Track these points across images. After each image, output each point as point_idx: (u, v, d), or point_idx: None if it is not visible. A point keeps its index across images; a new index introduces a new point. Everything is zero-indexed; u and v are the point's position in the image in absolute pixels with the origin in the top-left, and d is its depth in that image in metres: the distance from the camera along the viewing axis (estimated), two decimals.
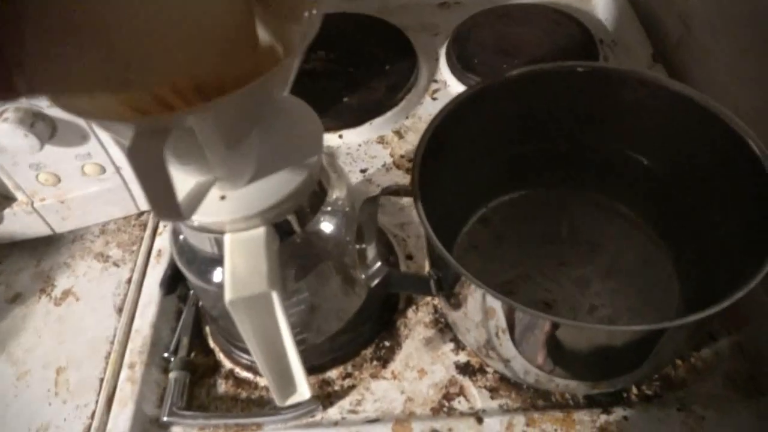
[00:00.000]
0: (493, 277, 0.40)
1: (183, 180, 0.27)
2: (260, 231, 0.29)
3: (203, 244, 0.32)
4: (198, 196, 0.26)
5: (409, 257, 0.46)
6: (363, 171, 0.53)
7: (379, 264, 0.33)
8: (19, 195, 0.45)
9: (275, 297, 0.27)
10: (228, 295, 0.27)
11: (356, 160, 0.54)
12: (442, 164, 0.36)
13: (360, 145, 0.55)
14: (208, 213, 0.29)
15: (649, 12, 0.60)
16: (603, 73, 0.36)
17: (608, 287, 0.38)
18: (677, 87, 0.34)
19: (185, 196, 0.26)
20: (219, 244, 0.32)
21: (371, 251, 0.34)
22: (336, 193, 0.34)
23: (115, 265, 0.48)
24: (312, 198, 0.32)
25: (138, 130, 0.21)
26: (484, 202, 0.42)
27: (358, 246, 0.34)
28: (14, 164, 0.42)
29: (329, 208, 0.33)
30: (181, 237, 0.34)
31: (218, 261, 0.33)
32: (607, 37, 0.61)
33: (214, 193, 0.29)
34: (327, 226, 0.33)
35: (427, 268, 0.45)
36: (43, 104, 0.38)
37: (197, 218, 0.29)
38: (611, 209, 0.42)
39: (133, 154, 0.21)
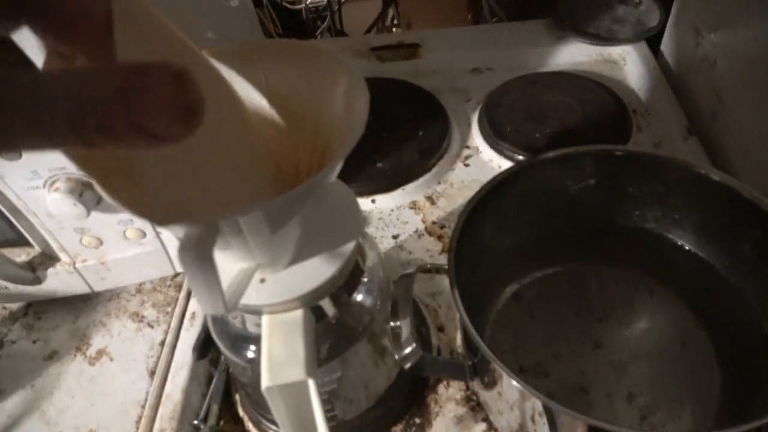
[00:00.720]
0: (527, 357, 0.39)
1: (226, 266, 0.28)
2: (298, 314, 0.29)
3: (238, 319, 0.33)
4: (241, 287, 0.27)
5: (441, 329, 0.46)
6: (395, 237, 0.53)
7: (413, 346, 0.33)
8: (62, 256, 0.46)
9: (311, 384, 0.28)
10: (265, 382, 0.27)
11: (388, 225, 0.55)
12: (476, 242, 0.36)
13: (392, 211, 0.56)
14: (247, 296, 0.29)
15: (683, 84, 0.61)
16: (640, 157, 0.36)
17: (646, 372, 0.37)
18: (716, 176, 0.34)
19: (229, 286, 0.27)
20: (254, 324, 0.32)
21: (405, 330, 0.33)
22: (371, 271, 0.34)
23: (150, 326, 0.48)
24: (349, 277, 0.32)
25: (188, 231, 0.22)
26: (517, 278, 0.42)
27: (392, 323, 0.34)
28: (60, 228, 0.44)
29: (365, 287, 0.33)
30: None
31: (252, 337, 0.33)
32: (640, 107, 0.61)
33: (255, 275, 0.30)
34: (362, 306, 0.34)
35: (458, 341, 0.44)
36: None
37: None
38: (647, 288, 0.41)
39: (184, 254, 0.22)
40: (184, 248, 0.22)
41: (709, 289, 0.38)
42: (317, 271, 0.30)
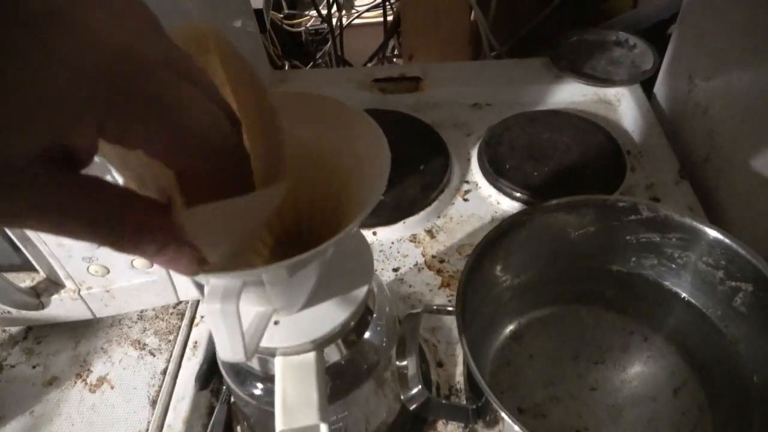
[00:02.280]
0: (526, 398, 0.40)
1: (243, 309, 0.29)
2: (311, 356, 0.30)
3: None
4: (258, 332, 0.28)
5: (440, 364, 0.47)
6: (395, 270, 0.55)
7: (419, 387, 0.34)
8: (68, 283, 0.47)
9: (324, 428, 0.28)
10: (279, 426, 0.28)
11: (389, 258, 0.56)
12: (480, 284, 0.38)
13: (393, 243, 0.57)
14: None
15: (676, 127, 0.63)
16: (639, 209, 0.38)
17: (640, 416, 0.39)
18: (712, 231, 0.35)
19: (246, 330, 0.27)
20: (264, 362, 0.33)
21: (412, 370, 0.34)
22: (380, 311, 0.35)
23: (151, 354, 0.49)
24: (359, 319, 0.33)
25: (215, 282, 0.23)
26: (517, 317, 0.43)
27: (398, 363, 0.35)
28: (69, 256, 0.44)
29: (373, 327, 0.34)
30: None
31: (258, 373, 0.34)
32: (634, 148, 0.64)
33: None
34: (370, 345, 0.34)
35: (457, 377, 0.45)
36: None
37: None
38: (641, 332, 0.42)
39: (211, 305, 0.23)
40: (211, 299, 0.23)
41: (702, 337, 0.39)
42: (331, 314, 0.31)
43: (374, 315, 0.35)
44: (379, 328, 0.35)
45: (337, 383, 0.34)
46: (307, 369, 0.30)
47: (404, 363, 0.35)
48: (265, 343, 0.30)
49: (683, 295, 0.40)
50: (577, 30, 0.76)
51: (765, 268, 0.33)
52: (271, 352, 0.31)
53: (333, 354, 0.33)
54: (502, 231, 0.37)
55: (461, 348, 0.32)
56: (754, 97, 0.49)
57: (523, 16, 0.85)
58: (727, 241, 0.35)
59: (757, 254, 0.34)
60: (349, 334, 0.33)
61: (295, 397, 0.29)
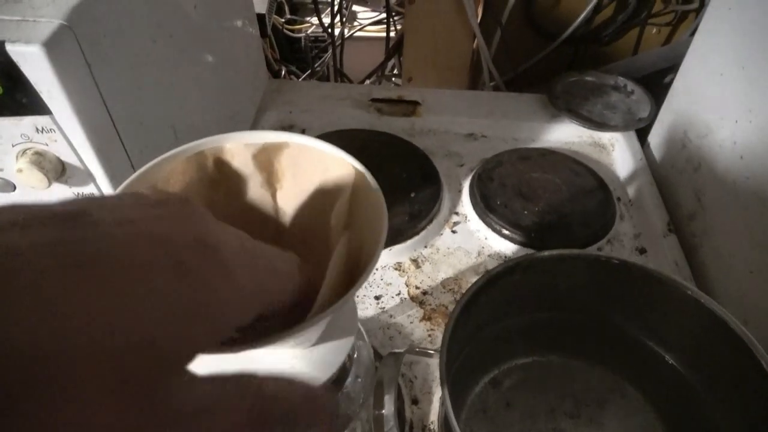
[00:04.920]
0: None
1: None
2: None
3: None
4: None
5: (415, 401, 0.46)
6: (377, 298, 0.54)
7: (394, 430, 0.33)
8: None
9: None
10: None
11: (371, 285, 0.55)
12: (464, 331, 0.37)
13: (377, 270, 0.56)
14: None
15: (667, 180, 0.64)
16: (631, 270, 0.38)
17: None
18: (695, 295, 0.35)
19: None
20: None
21: (389, 412, 0.33)
22: (360, 361, 0.34)
23: None
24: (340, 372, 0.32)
25: None
26: (497, 364, 0.43)
27: (375, 411, 0.34)
28: None
29: (352, 377, 0.33)
30: None
31: None
32: (625, 196, 0.64)
33: None
34: (348, 398, 0.33)
35: (431, 416, 0.45)
36: None
37: None
38: (620, 390, 0.42)
39: None
40: None
41: (682, 402, 0.39)
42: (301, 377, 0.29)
43: (353, 363, 0.34)
44: (359, 376, 0.34)
45: None
46: None
47: (383, 412, 0.34)
48: None
49: (666, 357, 0.40)
50: (576, 71, 0.77)
51: (746, 337, 0.33)
52: None
53: None
54: (491, 278, 0.36)
55: (441, 394, 0.31)
56: (746, 164, 0.49)
57: (525, 51, 0.85)
58: (716, 310, 0.35)
59: (738, 324, 0.34)
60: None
61: None
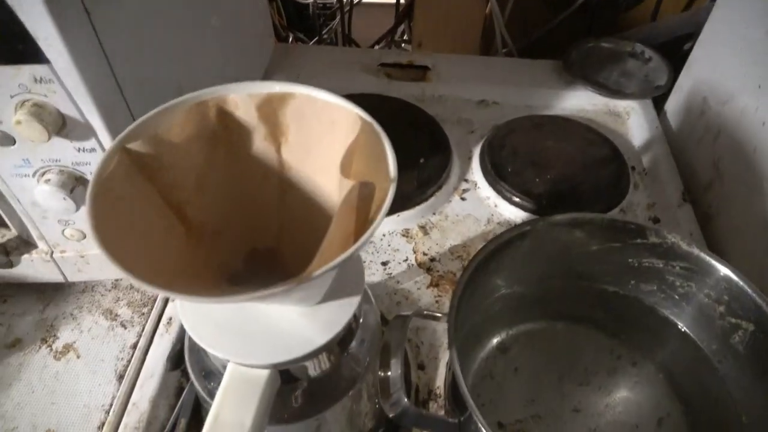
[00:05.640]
0: (506, 413, 0.39)
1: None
2: (263, 374, 0.27)
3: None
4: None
5: (421, 367, 0.45)
6: (384, 264, 0.53)
7: (400, 394, 0.32)
8: (41, 244, 0.44)
9: None
10: None
11: (378, 251, 0.54)
12: (473, 295, 0.36)
13: (384, 236, 0.55)
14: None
15: (683, 148, 0.62)
16: (645, 233, 0.36)
17: None
18: (720, 268, 0.34)
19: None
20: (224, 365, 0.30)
21: (395, 374, 0.33)
22: (366, 324, 0.33)
23: (123, 326, 0.47)
24: (346, 331, 0.31)
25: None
26: (505, 328, 0.42)
27: (381, 373, 0.33)
28: (43, 217, 0.42)
29: (358, 340, 0.32)
30: None
31: (220, 376, 0.31)
32: (639, 165, 0.62)
33: None
34: (354, 358, 0.33)
35: (437, 381, 0.44)
36: (87, 170, 0.38)
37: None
38: (630, 357, 0.41)
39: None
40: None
41: (693, 370, 0.38)
42: (310, 334, 0.28)
43: (359, 326, 0.33)
44: (365, 338, 0.34)
45: (315, 397, 0.32)
46: (252, 389, 0.27)
47: (388, 373, 0.34)
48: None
49: (680, 325, 0.39)
50: (593, 37, 0.75)
51: (767, 305, 0.32)
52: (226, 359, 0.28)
53: (315, 366, 0.31)
54: (503, 243, 0.35)
55: (449, 358, 0.30)
56: None
57: (540, 16, 0.82)
58: (734, 278, 0.34)
59: (764, 296, 0.33)
60: (332, 349, 0.31)
61: (228, 418, 0.26)
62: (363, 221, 0.25)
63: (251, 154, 0.30)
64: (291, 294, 0.24)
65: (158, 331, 0.46)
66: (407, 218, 0.56)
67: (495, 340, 0.42)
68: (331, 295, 0.30)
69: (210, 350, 0.28)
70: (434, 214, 0.57)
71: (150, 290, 0.22)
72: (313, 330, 0.28)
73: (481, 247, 0.35)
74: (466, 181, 0.61)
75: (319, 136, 0.29)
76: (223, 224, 0.30)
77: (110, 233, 0.23)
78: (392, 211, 0.56)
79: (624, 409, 0.39)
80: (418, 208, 0.57)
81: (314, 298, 0.29)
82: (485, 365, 0.41)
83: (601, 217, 0.37)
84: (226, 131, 0.29)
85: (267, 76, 0.70)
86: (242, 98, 0.29)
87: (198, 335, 0.28)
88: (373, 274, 0.52)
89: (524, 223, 0.37)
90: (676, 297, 0.38)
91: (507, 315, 0.42)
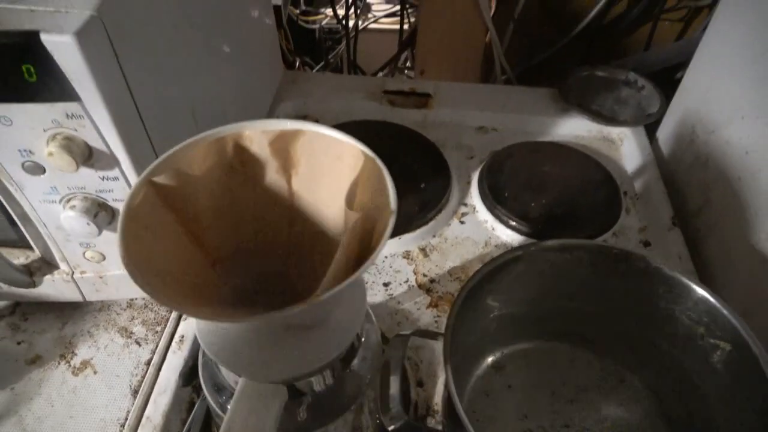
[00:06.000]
0: (500, 429, 0.41)
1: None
2: (272, 388, 0.29)
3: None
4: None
5: (420, 384, 0.47)
6: (386, 285, 0.55)
7: (399, 409, 0.35)
8: (62, 265, 0.47)
9: None
10: None
11: (381, 272, 0.56)
12: (469, 314, 0.38)
13: (386, 258, 0.58)
14: None
15: (673, 175, 0.64)
16: (631, 258, 0.39)
17: None
18: (698, 291, 0.37)
19: None
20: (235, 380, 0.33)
21: (394, 390, 0.35)
22: (368, 342, 0.36)
23: (137, 343, 0.49)
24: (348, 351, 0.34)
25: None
26: (500, 347, 0.44)
27: (382, 389, 0.35)
28: (67, 240, 0.44)
29: (360, 357, 0.35)
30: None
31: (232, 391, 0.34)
32: (632, 190, 0.65)
33: None
34: (355, 375, 0.35)
35: (435, 397, 0.46)
36: (109, 197, 0.41)
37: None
38: (619, 376, 0.44)
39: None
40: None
41: (677, 388, 0.40)
42: (316, 353, 0.31)
43: (361, 344, 0.35)
44: (367, 356, 0.36)
45: (319, 410, 0.34)
46: (263, 401, 0.29)
47: (388, 384, 0.36)
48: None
49: (664, 345, 0.41)
50: (588, 66, 0.78)
51: (746, 331, 0.35)
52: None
53: (320, 381, 0.33)
54: (497, 266, 0.38)
55: (445, 376, 0.32)
56: (752, 159, 0.50)
57: (538, 45, 0.86)
58: (712, 300, 0.36)
59: (739, 317, 0.35)
60: (335, 366, 0.33)
61: (240, 426, 0.28)
62: (366, 248, 0.28)
63: (264, 185, 0.32)
64: (300, 315, 0.27)
65: (171, 348, 0.48)
66: (408, 241, 0.59)
67: (490, 359, 0.44)
68: (336, 315, 0.32)
69: (224, 366, 0.30)
70: (434, 236, 0.60)
71: (174, 309, 0.24)
72: (320, 348, 0.31)
73: (477, 270, 0.37)
74: (465, 205, 0.63)
75: (326, 169, 0.32)
76: (237, 249, 0.33)
77: (136, 258, 0.25)
78: (394, 234, 0.59)
79: (612, 424, 0.41)
80: (418, 231, 0.59)
81: (321, 320, 0.31)
82: (481, 382, 0.43)
83: (590, 243, 0.40)
84: (242, 164, 0.32)
85: (276, 101, 0.74)
86: (257, 134, 0.31)
87: (213, 352, 0.30)
88: (375, 295, 0.54)
89: (517, 248, 0.39)
90: (660, 318, 0.40)
91: (502, 334, 0.44)
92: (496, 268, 0.38)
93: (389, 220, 0.27)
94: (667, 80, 0.76)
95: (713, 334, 0.37)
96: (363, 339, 0.36)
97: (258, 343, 0.31)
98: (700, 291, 0.37)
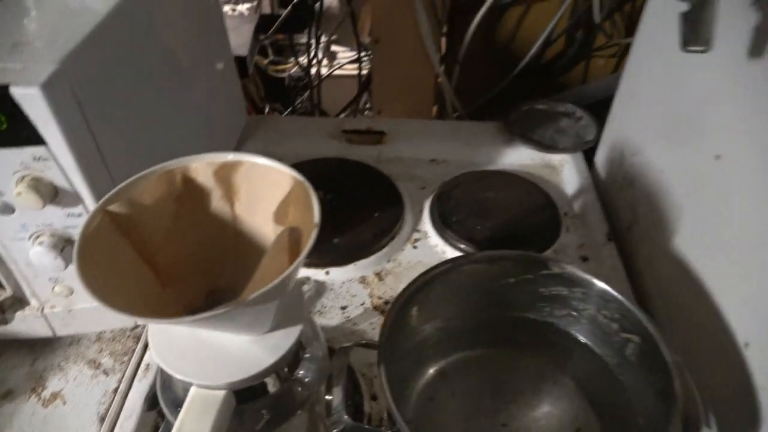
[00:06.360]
0: (445, 430, 0.44)
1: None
2: (219, 395, 0.33)
3: (180, 386, 0.37)
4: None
5: (374, 398, 0.51)
6: (343, 308, 0.59)
7: (341, 415, 0.38)
8: (33, 301, 0.50)
9: None
10: None
11: (338, 297, 0.60)
12: (408, 324, 0.42)
13: (343, 283, 0.61)
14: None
15: (608, 195, 0.70)
16: (549, 265, 0.43)
17: None
18: (602, 288, 0.41)
19: None
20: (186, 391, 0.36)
21: (337, 399, 0.39)
22: (313, 351, 0.39)
23: (105, 373, 0.52)
24: (292, 356, 0.37)
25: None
26: (443, 357, 0.48)
27: (327, 396, 0.39)
28: (36, 276, 0.48)
29: (306, 365, 0.38)
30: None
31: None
32: (571, 211, 0.70)
33: None
34: (301, 382, 0.38)
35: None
36: (75, 232, 0.45)
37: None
38: (552, 376, 0.47)
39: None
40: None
41: (602, 383, 0.44)
42: (258, 357, 0.34)
43: (307, 353, 0.39)
44: (312, 366, 0.39)
45: (268, 417, 0.37)
46: (210, 407, 0.32)
47: (332, 396, 0.39)
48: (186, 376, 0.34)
49: (589, 344, 0.45)
50: (531, 100, 0.84)
51: (648, 323, 0.39)
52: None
53: (265, 389, 0.36)
54: (428, 278, 0.42)
55: (379, 379, 0.36)
56: (667, 178, 0.55)
57: (486, 83, 0.93)
58: (621, 298, 0.41)
59: (641, 309, 0.39)
60: (281, 370, 0.37)
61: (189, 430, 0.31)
62: (295, 259, 0.32)
63: (210, 211, 0.37)
64: (235, 319, 0.31)
65: (137, 376, 0.51)
66: (364, 266, 0.63)
67: (435, 368, 0.48)
68: (276, 325, 0.36)
69: (173, 373, 0.33)
70: (389, 261, 0.64)
71: (121, 315, 0.27)
72: (262, 354, 0.34)
73: (409, 283, 0.41)
74: (418, 231, 0.68)
75: (264, 193, 0.36)
76: (189, 269, 0.37)
77: (93, 278, 0.29)
78: (350, 260, 0.63)
79: (546, 422, 0.45)
80: (373, 256, 0.63)
81: (261, 327, 0.35)
82: (427, 390, 0.47)
83: (512, 252, 0.44)
84: (190, 193, 0.36)
85: (240, 144, 0.79)
86: (202, 166, 0.36)
87: (163, 360, 0.34)
88: (333, 318, 0.58)
89: (447, 261, 0.44)
90: (581, 319, 0.44)
91: (444, 345, 0.48)
92: (427, 281, 0.42)
93: (312, 231, 0.31)
94: (603, 110, 0.82)
95: (625, 328, 0.41)
96: (308, 350, 0.39)
97: (205, 351, 0.34)
98: (611, 291, 0.41)
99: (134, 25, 0.49)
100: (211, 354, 0.34)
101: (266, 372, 0.34)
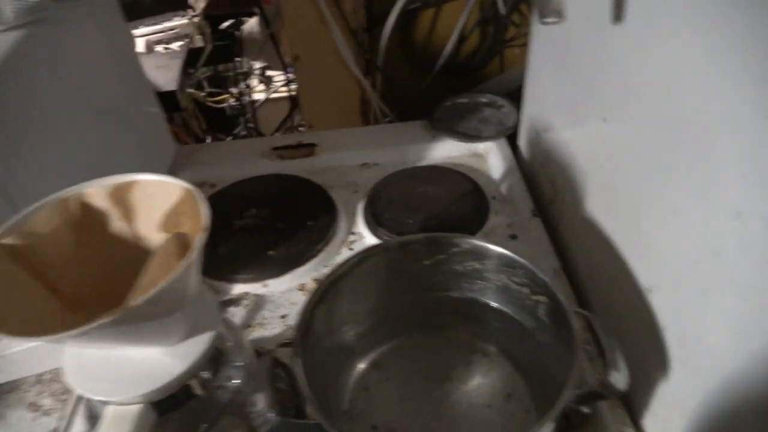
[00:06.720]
0: (381, 417, 0.45)
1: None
2: (135, 408, 0.34)
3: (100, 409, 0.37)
4: None
5: None
6: (283, 317, 0.60)
7: (267, 413, 0.39)
8: None
9: None
10: None
11: (278, 307, 0.61)
12: (330, 317, 0.43)
13: (282, 293, 0.62)
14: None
15: (532, 174, 0.72)
16: (458, 242, 0.45)
17: (480, 421, 0.44)
18: (505, 255, 0.43)
19: None
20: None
21: (261, 401, 0.39)
22: (235, 355, 0.40)
23: (45, 414, 0.52)
24: (212, 363, 0.38)
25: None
26: (375, 347, 0.49)
27: (253, 395, 0.39)
28: None
29: (228, 370, 0.39)
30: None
31: None
32: (499, 194, 0.72)
33: None
34: (223, 387, 0.39)
35: None
36: None
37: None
38: (482, 349, 0.49)
39: None
40: None
41: (524, 347, 0.46)
42: (169, 366, 0.35)
43: (229, 358, 0.40)
44: (237, 371, 0.40)
45: (195, 423, 0.38)
46: (125, 422, 0.33)
47: (258, 395, 0.40)
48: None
49: (508, 311, 0.47)
50: (453, 96, 0.87)
51: (551, 282, 0.41)
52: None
53: (191, 393, 0.37)
54: (343, 271, 0.43)
55: (295, 372, 0.37)
56: (571, 152, 0.58)
57: (410, 85, 0.95)
58: (526, 263, 0.43)
59: (542, 270, 0.41)
60: (200, 376, 0.37)
61: None
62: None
63: (112, 233, 0.37)
64: (138, 331, 0.32)
65: (75, 411, 0.51)
66: (301, 274, 0.64)
67: (367, 360, 0.49)
68: (188, 334, 0.37)
69: (87, 394, 0.34)
70: (326, 266, 0.65)
71: (17, 340, 0.28)
72: (173, 363, 0.35)
73: (324, 277, 0.42)
74: (353, 233, 0.69)
75: (161, 207, 0.37)
76: (98, 293, 0.37)
77: None
78: (286, 270, 0.64)
79: (478, 393, 0.46)
80: (309, 263, 0.64)
81: (171, 337, 0.36)
82: (361, 381, 0.48)
83: (422, 235, 0.46)
84: (88, 218, 0.37)
85: (171, 173, 0.79)
86: (97, 190, 0.37)
87: (78, 384, 0.34)
88: (274, 327, 0.59)
89: (359, 252, 0.45)
90: (496, 288, 0.46)
91: (373, 336, 0.49)
92: (342, 274, 0.43)
93: (200, 234, 0.32)
94: (521, 97, 0.85)
95: (534, 291, 0.43)
96: (231, 355, 0.40)
97: (117, 369, 0.35)
98: (517, 258, 0.43)
99: (36, 66, 0.50)
100: (124, 371, 0.35)
101: (178, 380, 0.35)
